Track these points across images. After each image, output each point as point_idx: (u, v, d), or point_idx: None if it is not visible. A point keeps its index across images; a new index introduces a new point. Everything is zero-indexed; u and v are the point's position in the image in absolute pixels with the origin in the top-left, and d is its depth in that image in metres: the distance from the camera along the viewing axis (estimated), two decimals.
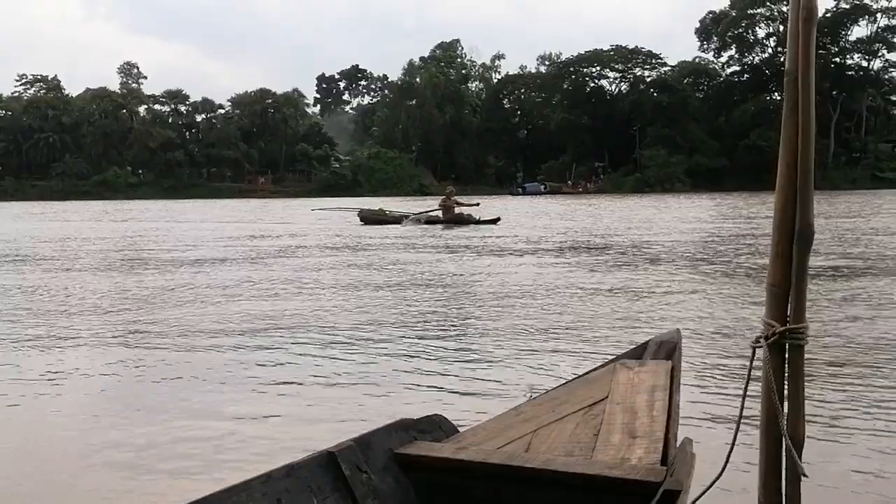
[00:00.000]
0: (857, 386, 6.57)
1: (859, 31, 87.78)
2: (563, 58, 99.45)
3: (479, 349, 8.35)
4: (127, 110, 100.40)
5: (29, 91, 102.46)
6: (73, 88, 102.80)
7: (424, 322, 9.98)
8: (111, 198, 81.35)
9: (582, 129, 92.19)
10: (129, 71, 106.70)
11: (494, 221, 30.91)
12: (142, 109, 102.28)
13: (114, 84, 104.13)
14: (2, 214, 48.24)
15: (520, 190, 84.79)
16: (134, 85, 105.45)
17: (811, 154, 2.27)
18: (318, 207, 47.00)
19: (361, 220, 33.38)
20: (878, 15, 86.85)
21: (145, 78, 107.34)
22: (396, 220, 33.10)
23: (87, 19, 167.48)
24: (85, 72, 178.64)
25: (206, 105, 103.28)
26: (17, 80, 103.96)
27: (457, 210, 32.19)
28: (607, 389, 3.89)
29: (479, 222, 30.87)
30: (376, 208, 36.22)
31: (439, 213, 32.45)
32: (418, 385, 6.81)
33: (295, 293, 12.79)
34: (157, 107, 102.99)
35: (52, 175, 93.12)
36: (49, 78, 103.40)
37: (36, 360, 8.07)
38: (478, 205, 34.53)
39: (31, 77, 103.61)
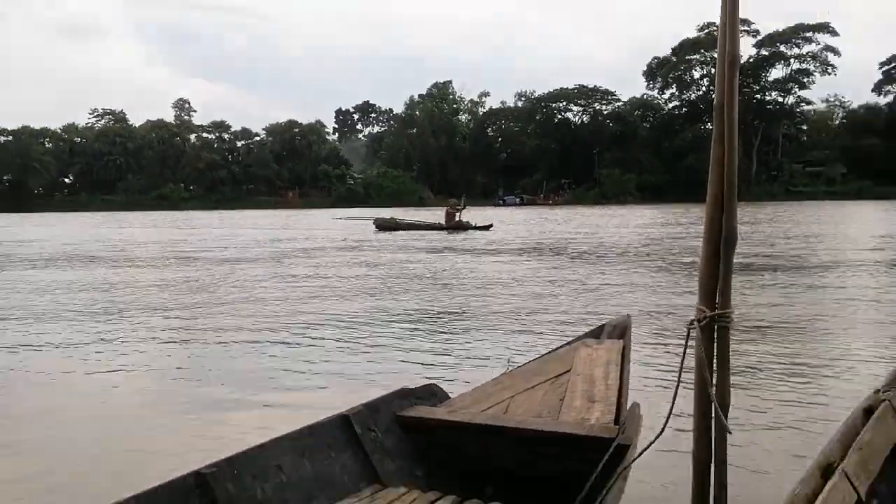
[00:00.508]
0: (772, 358, 6.61)
1: (776, 72, 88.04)
2: (536, 94, 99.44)
3: (467, 331, 8.37)
4: (180, 138, 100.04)
5: (100, 122, 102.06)
6: (136, 120, 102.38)
7: (423, 309, 9.99)
8: (167, 209, 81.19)
9: (551, 153, 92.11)
10: (181, 106, 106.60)
11: (487, 227, 30.24)
12: (192, 137, 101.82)
13: (169, 116, 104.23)
14: (82, 222, 48.05)
15: (501, 202, 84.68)
16: (186, 117, 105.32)
17: (734, 172, 2.28)
18: (339, 217, 46.52)
19: (377, 227, 32.36)
20: (792, 60, 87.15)
21: (195, 111, 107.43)
22: (406, 226, 32.21)
23: (148, 65, 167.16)
24: (146, 107, 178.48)
25: (245, 133, 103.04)
26: (90, 114, 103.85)
27: (457, 218, 31.44)
28: (570, 363, 3.89)
29: (475, 228, 30.23)
30: (389, 217, 35.04)
31: (442, 221, 31.66)
32: (418, 360, 6.83)
33: (320, 286, 12.77)
34: (204, 135, 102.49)
35: (119, 190, 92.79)
36: (116, 111, 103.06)
37: (105, 341, 8.05)
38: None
39: (101, 111, 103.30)
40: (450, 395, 3.69)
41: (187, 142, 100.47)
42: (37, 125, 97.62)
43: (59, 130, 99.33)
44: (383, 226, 32.42)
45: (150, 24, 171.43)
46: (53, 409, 5.50)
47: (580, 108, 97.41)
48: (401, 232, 30.56)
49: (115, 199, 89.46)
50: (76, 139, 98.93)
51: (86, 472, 4.22)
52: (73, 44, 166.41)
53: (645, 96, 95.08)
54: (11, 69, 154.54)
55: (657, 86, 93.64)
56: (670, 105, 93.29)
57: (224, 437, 4.47)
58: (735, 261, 2.34)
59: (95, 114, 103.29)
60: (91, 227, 42.26)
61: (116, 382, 6.35)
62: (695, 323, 2.33)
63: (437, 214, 35.05)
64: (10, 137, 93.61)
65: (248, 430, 4.49)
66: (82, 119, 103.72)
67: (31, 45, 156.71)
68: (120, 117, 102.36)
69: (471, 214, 33.73)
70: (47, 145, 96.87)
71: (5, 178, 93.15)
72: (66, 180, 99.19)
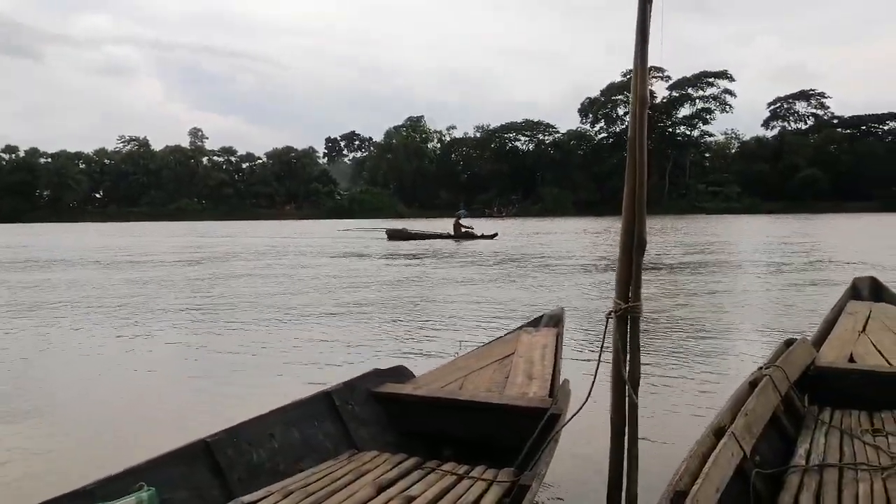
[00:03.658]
0: (677, 342, 6.69)
1: (684, 111, 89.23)
2: (491, 127, 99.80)
3: (430, 322, 8.34)
4: (194, 160, 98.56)
5: (126, 147, 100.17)
6: (157, 145, 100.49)
7: (400, 304, 9.96)
8: (183, 219, 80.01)
9: (503, 175, 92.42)
10: (196, 133, 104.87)
11: (492, 236, 27.54)
12: (204, 159, 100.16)
13: (185, 142, 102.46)
14: (115, 231, 47.15)
15: (462, 213, 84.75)
16: (199, 143, 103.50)
17: (644, 191, 2.31)
18: (343, 228, 43.52)
19: (388, 237, 28.96)
20: (697, 101, 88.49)
21: (207, 138, 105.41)
22: (416, 236, 28.91)
23: (169, 100, 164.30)
24: (165, 134, 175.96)
25: (249, 157, 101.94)
26: (118, 140, 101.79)
27: (463, 229, 28.74)
28: (514, 347, 3.91)
29: (481, 237, 27.64)
30: (400, 227, 31.14)
31: (451, 230, 28.99)
32: (389, 346, 6.80)
33: (314, 286, 12.66)
34: (215, 158, 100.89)
35: (142, 204, 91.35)
36: (140, 138, 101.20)
37: (133, 327, 7.90)
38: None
39: (127, 137, 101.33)
40: (415, 374, 3.68)
41: (200, 163, 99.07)
42: (72, 149, 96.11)
43: (91, 154, 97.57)
44: (394, 235, 28.98)
45: (172, 66, 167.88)
46: (87, 379, 5.38)
47: (527, 138, 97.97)
48: (411, 241, 27.67)
49: (138, 211, 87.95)
50: (106, 161, 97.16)
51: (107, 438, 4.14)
52: (107, 81, 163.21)
53: (579, 129, 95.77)
54: (54, 102, 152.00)
55: (589, 121, 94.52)
56: (599, 136, 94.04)
57: (228, 409, 4.41)
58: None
59: (122, 140, 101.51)
60: (128, 235, 41.49)
61: (145, 364, 6.23)
62: (612, 313, 2.36)
63: (446, 225, 31.99)
64: (50, 160, 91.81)
65: (249, 402, 4.43)
66: (111, 144, 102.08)
67: (72, 81, 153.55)
68: (143, 143, 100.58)
69: (484, 226, 31.23)
70: (81, 166, 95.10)
71: (45, 193, 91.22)
72: (97, 195, 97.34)
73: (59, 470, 3.54)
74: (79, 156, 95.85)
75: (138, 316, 8.94)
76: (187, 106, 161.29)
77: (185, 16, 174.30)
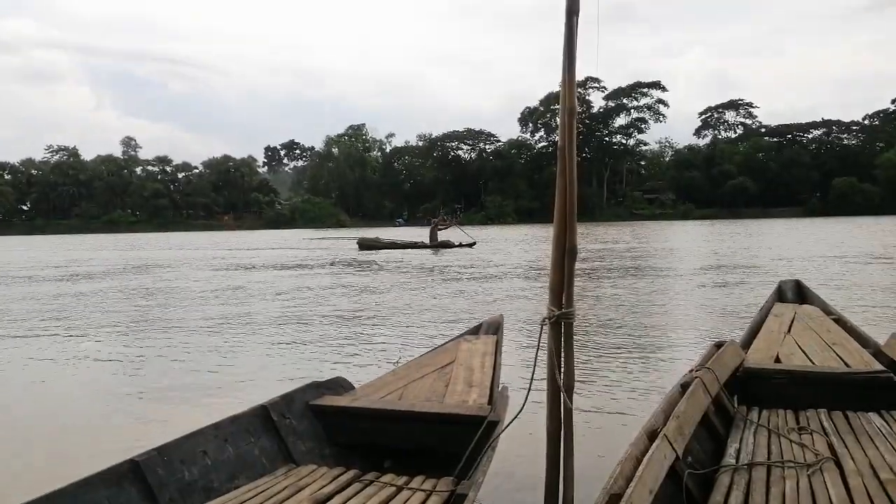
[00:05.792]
0: (612, 346, 6.82)
1: (620, 120, 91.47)
2: (433, 135, 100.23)
3: (370, 331, 8.28)
4: (127, 170, 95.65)
5: (55, 157, 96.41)
6: (87, 154, 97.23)
7: (342, 313, 9.84)
8: (115, 231, 77.38)
9: (446, 183, 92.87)
10: (128, 143, 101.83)
11: (471, 245, 26.67)
12: (138, 169, 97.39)
13: (117, 152, 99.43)
14: (42, 244, 45.12)
15: (398, 222, 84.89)
16: (132, 153, 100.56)
17: (574, 199, 2.35)
18: (310, 237, 42.25)
19: (359, 247, 28.23)
20: (632, 111, 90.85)
21: (140, 147, 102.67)
22: (389, 246, 28.22)
23: (97, 108, 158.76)
24: (96, 143, 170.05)
25: (185, 166, 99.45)
26: (46, 149, 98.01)
27: (440, 238, 27.74)
28: (454, 355, 3.91)
29: (459, 246, 26.72)
30: (372, 237, 30.31)
31: (426, 240, 27.96)
32: (328, 356, 6.72)
33: (262, 297, 12.40)
34: (149, 168, 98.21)
35: (72, 216, 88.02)
36: (69, 147, 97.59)
37: (66, 342, 7.57)
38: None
39: (56, 147, 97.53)
40: (354, 385, 3.64)
41: (133, 173, 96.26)
42: None
43: (17, 164, 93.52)
44: (366, 245, 28.33)
45: (101, 72, 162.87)
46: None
47: (468, 147, 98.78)
48: (383, 251, 26.97)
49: (69, 224, 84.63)
50: (33, 171, 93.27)
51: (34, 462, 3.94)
52: (32, 88, 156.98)
53: (519, 138, 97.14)
54: None
55: (529, 130, 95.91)
56: (539, 145, 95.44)
57: (161, 425, 4.27)
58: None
59: (50, 149, 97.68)
60: (55, 248, 39.75)
61: (78, 376, 5.97)
62: (546, 320, 2.38)
63: (422, 234, 31.25)
64: None
65: (182, 418, 4.30)
66: (38, 154, 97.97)
67: None
68: (73, 153, 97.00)
69: (456, 233, 30.34)
70: (6, 177, 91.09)
71: None
72: (24, 207, 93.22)
73: None
74: (3, 166, 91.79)
75: (54, 331, 8.58)
76: (118, 113, 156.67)
77: (112, 21, 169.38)
